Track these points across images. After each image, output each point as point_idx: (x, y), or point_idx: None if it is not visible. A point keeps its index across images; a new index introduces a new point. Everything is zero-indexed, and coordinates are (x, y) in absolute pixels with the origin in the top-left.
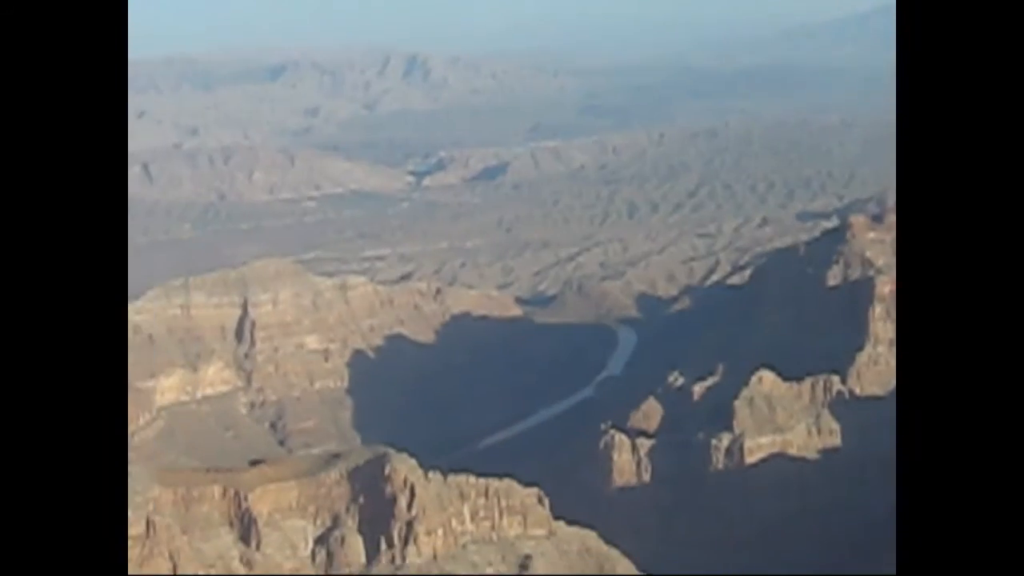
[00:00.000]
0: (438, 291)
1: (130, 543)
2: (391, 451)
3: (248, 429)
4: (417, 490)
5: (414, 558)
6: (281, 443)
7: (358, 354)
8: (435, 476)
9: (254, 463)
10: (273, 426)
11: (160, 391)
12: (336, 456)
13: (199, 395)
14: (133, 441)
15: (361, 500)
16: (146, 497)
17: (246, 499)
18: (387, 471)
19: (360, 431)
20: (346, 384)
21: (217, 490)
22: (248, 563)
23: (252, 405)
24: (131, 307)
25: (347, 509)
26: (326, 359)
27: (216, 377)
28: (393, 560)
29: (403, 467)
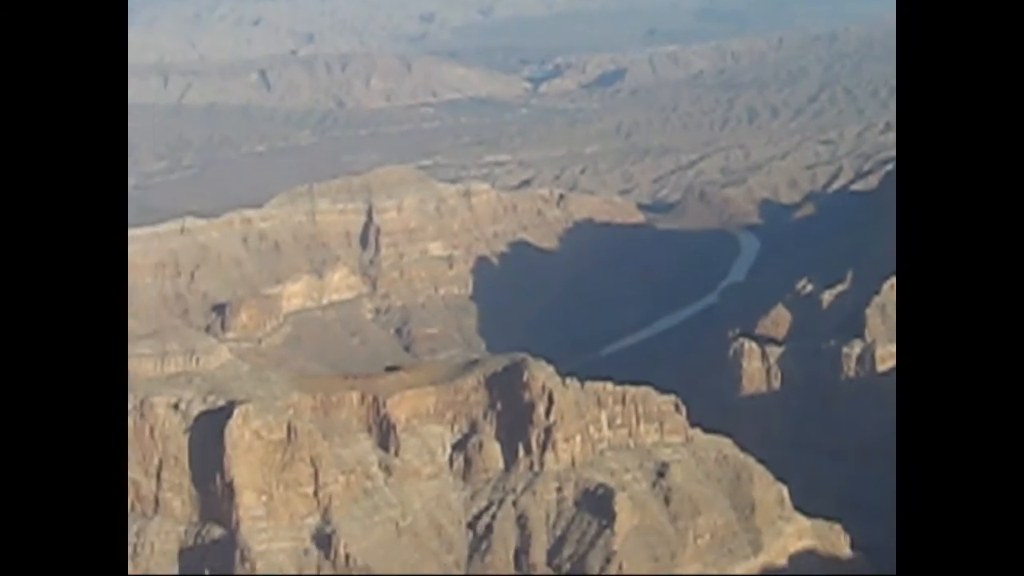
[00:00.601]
0: (561, 197)
1: (271, 448)
2: (528, 357)
3: (374, 335)
4: (555, 397)
5: (552, 465)
6: (406, 349)
7: (482, 260)
8: (572, 383)
9: (391, 369)
10: (398, 332)
11: (286, 297)
12: (473, 362)
13: (325, 301)
14: (260, 347)
15: (499, 406)
16: (286, 403)
17: (384, 405)
18: (525, 377)
19: (484, 337)
20: (470, 290)
21: (355, 396)
22: (387, 469)
23: (377, 311)
24: (256, 214)
25: (484, 415)
26: (450, 265)
27: (341, 283)
28: (531, 467)
29: (541, 374)
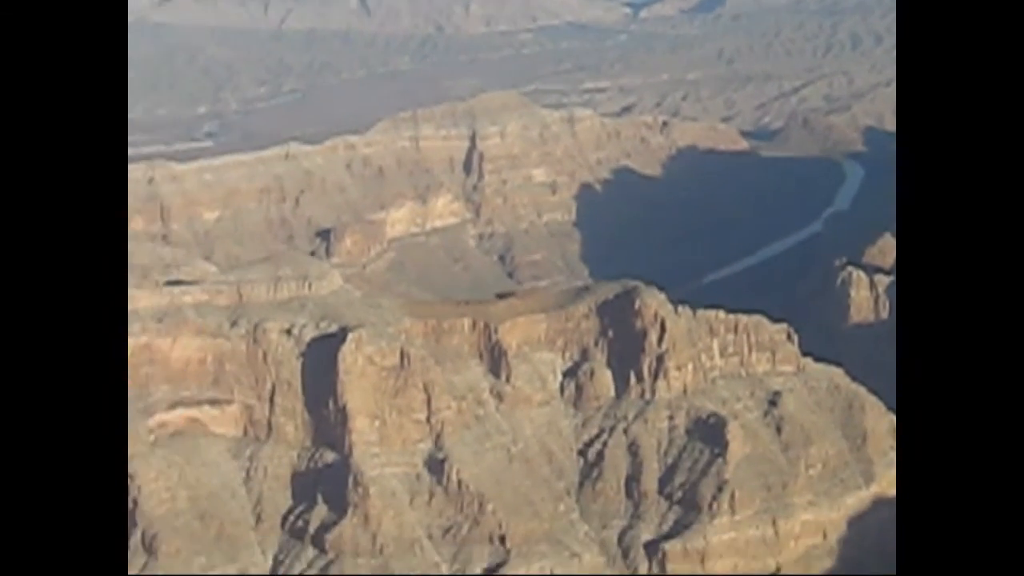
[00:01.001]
0: (664, 124)
1: (384, 374)
2: (641, 285)
3: (477, 261)
4: (667, 324)
5: (663, 393)
6: (510, 275)
7: (585, 187)
8: (684, 310)
9: (502, 296)
10: (501, 258)
11: (390, 223)
12: (584, 289)
13: (428, 227)
14: (365, 272)
15: (610, 334)
16: (397, 328)
17: (495, 332)
18: (637, 305)
19: (587, 264)
20: (573, 217)
21: (467, 322)
22: (498, 395)
23: (480, 237)
24: (360, 139)
25: (596, 343)
26: (553, 192)
27: (445, 209)
28: (643, 394)
29: (653, 301)
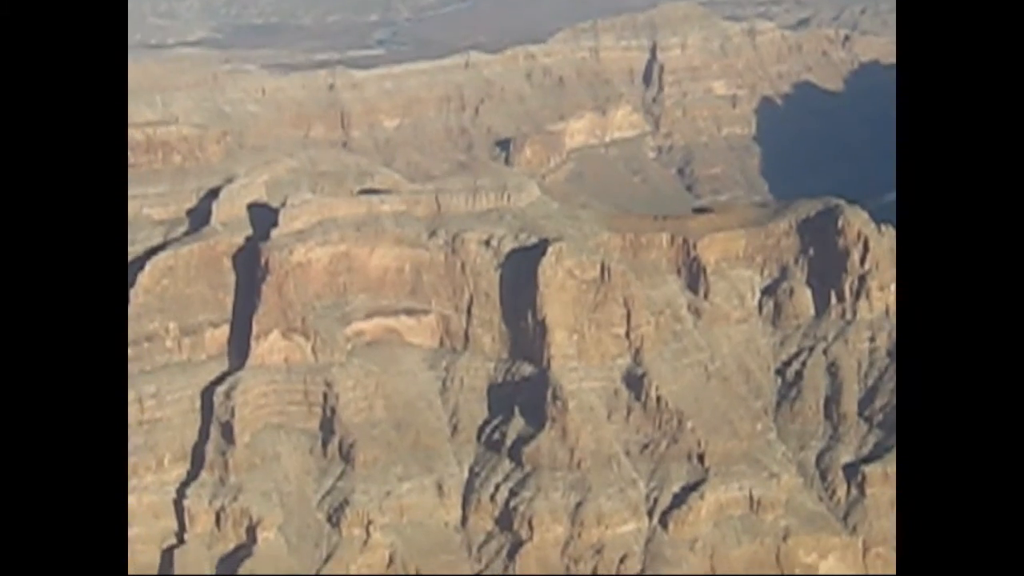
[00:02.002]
0: (846, 38)
1: (584, 288)
2: (842, 202)
3: (655, 174)
4: (870, 244)
5: (865, 313)
6: (688, 188)
7: (765, 100)
8: (888, 229)
9: (700, 211)
10: (680, 172)
11: (570, 134)
12: (784, 206)
13: (607, 139)
14: (544, 183)
15: (811, 252)
16: (596, 241)
17: (694, 247)
18: (839, 223)
19: (767, 179)
20: (753, 131)
21: (665, 237)
22: (696, 311)
23: (659, 150)
24: (539, 49)
25: (796, 261)
26: (734, 105)
27: (624, 121)
28: (843, 314)
29: (856, 219)
